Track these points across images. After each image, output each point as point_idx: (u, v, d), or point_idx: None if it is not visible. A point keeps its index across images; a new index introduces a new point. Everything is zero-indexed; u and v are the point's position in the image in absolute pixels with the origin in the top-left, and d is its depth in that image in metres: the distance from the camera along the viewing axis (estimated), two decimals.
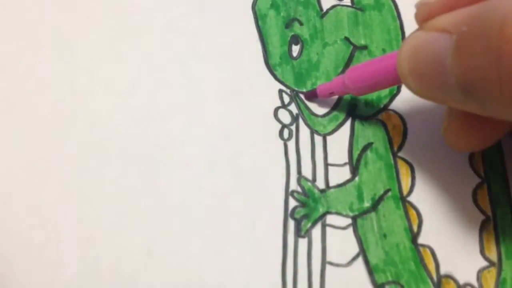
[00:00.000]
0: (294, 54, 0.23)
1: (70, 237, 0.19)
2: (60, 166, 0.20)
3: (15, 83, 0.22)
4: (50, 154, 0.21)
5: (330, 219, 0.20)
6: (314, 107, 0.22)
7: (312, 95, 0.22)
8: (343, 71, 0.22)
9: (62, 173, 0.20)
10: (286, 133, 0.21)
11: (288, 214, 0.20)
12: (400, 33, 0.23)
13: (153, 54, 0.22)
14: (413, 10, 0.23)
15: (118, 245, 0.19)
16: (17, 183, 0.20)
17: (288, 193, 0.20)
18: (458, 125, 0.19)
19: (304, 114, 0.22)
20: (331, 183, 0.20)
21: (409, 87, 0.17)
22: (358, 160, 0.21)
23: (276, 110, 0.22)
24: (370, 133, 0.21)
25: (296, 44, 0.23)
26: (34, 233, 0.19)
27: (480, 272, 0.19)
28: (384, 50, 0.23)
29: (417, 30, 0.17)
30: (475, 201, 0.20)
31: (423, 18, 0.17)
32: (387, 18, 0.23)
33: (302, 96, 0.22)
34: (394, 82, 0.19)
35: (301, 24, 0.23)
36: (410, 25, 0.23)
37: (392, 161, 0.21)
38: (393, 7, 0.24)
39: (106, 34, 0.23)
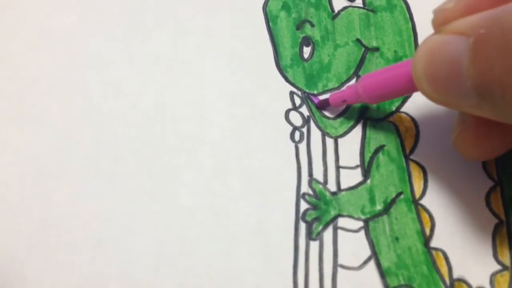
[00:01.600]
0: (305, 55, 0.23)
1: (80, 239, 0.19)
2: (71, 167, 0.20)
3: (26, 84, 0.22)
4: (61, 156, 0.21)
5: (342, 222, 0.20)
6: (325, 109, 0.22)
7: (324, 103, 0.21)
8: (355, 73, 0.22)
9: (72, 174, 0.20)
10: (297, 135, 0.21)
11: (299, 216, 0.20)
12: (412, 34, 0.23)
13: (163, 55, 0.23)
14: (425, 12, 0.23)
15: (128, 247, 0.19)
16: (28, 185, 0.20)
17: (299, 196, 0.20)
18: (470, 134, 0.19)
19: (315, 116, 0.22)
20: (343, 186, 0.20)
21: (424, 91, 0.17)
22: (370, 162, 0.21)
23: (287, 112, 0.22)
24: (382, 136, 0.21)
25: (307, 46, 0.23)
26: (45, 235, 0.19)
27: (493, 276, 0.19)
28: (396, 52, 0.23)
29: (434, 34, 0.17)
30: (488, 204, 0.20)
31: (440, 23, 0.17)
32: (399, 19, 0.23)
33: (314, 101, 0.22)
34: (409, 90, 0.19)
35: (312, 25, 0.23)
36: (423, 26, 0.23)
37: (404, 164, 0.21)
38: (405, 9, 0.24)
39: (117, 35, 0.23)
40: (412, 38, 0.23)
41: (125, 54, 0.23)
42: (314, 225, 0.20)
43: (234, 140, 0.21)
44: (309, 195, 0.20)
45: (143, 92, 0.22)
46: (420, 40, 0.23)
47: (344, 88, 0.21)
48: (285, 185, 0.20)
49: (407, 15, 0.23)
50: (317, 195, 0.20)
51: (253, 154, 0.21)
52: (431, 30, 0.19)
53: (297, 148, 0.21)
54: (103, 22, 0.23)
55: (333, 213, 0.20)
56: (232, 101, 0.22)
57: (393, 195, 0.20)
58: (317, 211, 0.20)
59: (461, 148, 0.19)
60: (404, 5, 0.24)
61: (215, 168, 0.20)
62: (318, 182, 0.20)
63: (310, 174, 0.21)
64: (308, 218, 0.20)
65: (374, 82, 0.19)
